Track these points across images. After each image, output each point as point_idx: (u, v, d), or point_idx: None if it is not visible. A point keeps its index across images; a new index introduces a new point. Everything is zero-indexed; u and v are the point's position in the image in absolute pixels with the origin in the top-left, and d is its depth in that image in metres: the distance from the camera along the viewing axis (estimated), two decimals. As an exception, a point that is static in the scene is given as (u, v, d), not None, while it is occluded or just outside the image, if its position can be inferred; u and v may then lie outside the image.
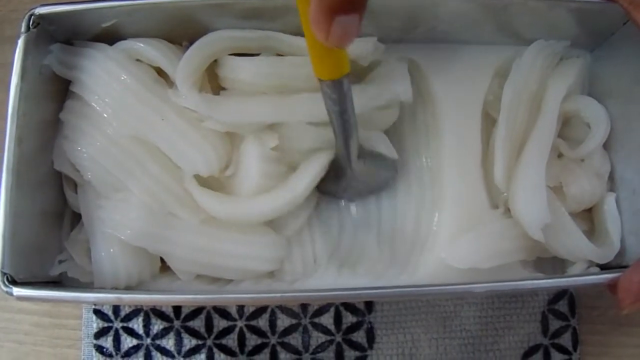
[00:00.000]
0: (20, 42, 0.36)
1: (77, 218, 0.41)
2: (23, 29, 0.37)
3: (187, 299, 0.36)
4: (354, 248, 0.42)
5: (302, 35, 0.31)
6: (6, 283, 0.35)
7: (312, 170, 0.40)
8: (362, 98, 0.39)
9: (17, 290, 0.35)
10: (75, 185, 0.41)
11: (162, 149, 0.39)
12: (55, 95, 0.40)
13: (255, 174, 0.39)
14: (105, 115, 0.39)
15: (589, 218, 0.42)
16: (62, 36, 0.39)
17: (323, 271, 0.41)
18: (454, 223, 0.40)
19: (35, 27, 0.37)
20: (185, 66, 0.38)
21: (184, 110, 0.39)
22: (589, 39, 0.42)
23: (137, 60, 0.40)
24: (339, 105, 0.34)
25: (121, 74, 0.38)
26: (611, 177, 0.42)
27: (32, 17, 0.37)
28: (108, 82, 0.38)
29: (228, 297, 0.37)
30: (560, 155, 0.42)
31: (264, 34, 0.39)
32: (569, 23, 0.40)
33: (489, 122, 0.42)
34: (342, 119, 0.35)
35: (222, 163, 0.40)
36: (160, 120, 0.38)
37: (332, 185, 0.42)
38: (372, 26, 0.40)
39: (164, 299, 0.37)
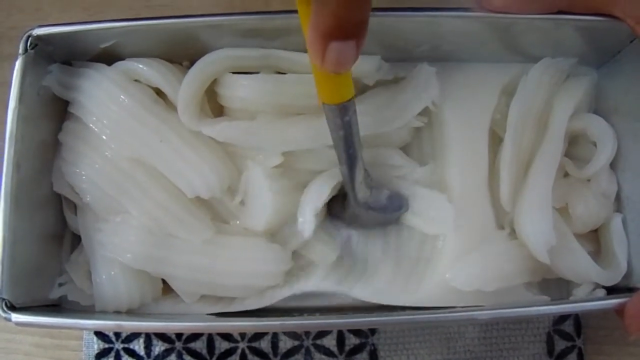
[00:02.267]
0: (18, 64, 0.36)
1: (77, 240, 0.41)
2: (21, 50, 0.36)
3: (187, 326, 0.36)
4: (358, 264, 0.42)
5: (303, 51, 0.31)
6: (5, 309, 0.35)
7: (317, 192, 0.39)
8: (394, 109, 0.39)
9: (16, 317, 0.35)
10: (75, 207, 0.40)
11: (162, 171, 0.38)
12: (54, 116, 0.39)
13: (267, 193, 0.39)
14: (104, 137, 0.38)
15: (595, 239, 0.41)
16: (60, 57, 0.39)
17: (324, 286, 0.40)
18: (459, 243, 0.40)
19: (33, 48, 0.36)
20: (187, 89, 0.38)
21: (183, 132, 0.38)
22: (595, 56, 0.41)
23: (136, 80, 0.39)
24: (342, 130, 0.34)
25: (119, 94, 0.38)
26: (618, 198, 0.41)
27: (30, 38, 0.36)
28: (106, 103, 0.38)
29: (227, 325, 0.37)
30: (566, 175, 0.42)
31: (264, 52, 0.39)
32: (576, 41, 0.39)
33: (495, 140, 0.42)
34: (346, 144, 0.35)
35: (224, 185, 0.39)
36: (159, 142, 0.38)
37: (339, 210, 0.41)
38: (377, 45, 0.39)
39: (164, 326, 0.37)
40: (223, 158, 0.40)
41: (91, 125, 0.39)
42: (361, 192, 0.38)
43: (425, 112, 0.41)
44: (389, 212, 0.41)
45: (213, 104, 0.41)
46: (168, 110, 0.39)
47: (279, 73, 0.40)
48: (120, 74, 0.39)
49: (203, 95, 0.40)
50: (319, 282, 0.40)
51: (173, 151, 0.38)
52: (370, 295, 0.39)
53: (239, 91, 0.39)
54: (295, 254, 0.41)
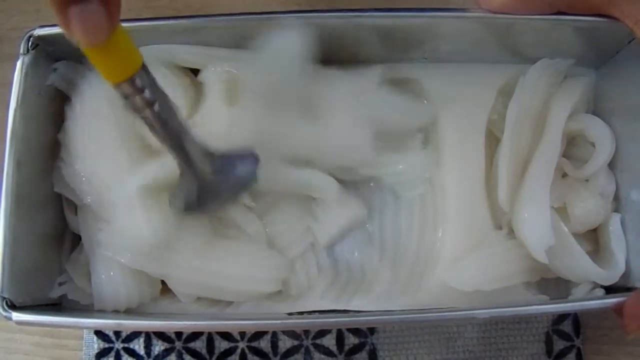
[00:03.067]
0: (19, 64, 0.36)
1: (77, 239, 0.41)
2: (22, 50, 0.37)
3: (187, 325, 0.36)
4: (355, 275, 0.42)
5: None
6: (5, 308, 0.35)
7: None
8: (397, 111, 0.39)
9: (17, 315, 0.35)
10: (75, 207, 0.40)
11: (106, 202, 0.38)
12: (54, 116, 0.40)
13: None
14: (72, 147, 0.38)
15: (593, 239, 0.41)
16: (60, 57, 0.39)
17: (323, 304, 0.40)
18: (457, 244, 0.40)
19: (34, 49, 0.37)
20: None
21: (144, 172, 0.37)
22: (593, 57, 0.41)
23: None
24: (147, 108, 0.28)
25: (104, 108, 0.38)
26: (616, 198, 0.41)
27: (31, 38, 0.37)
28: (91, 112, 0.38)
29: (228, 324, 0.37)
30: (564, 175, 0.42)
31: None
32: (574, 41, 0.39)
33: (492, 141, 0.42)
34: (160, 123, 0.29)
35: (158, 240, 0.37)
36: (116, 174, 0.37)
37: (189, 203, 0.36)
38: (375, 45, 0.39)
39: (164, 325, 0.37)
40: (171, 216, 0.37)
41: (69, 133, 0.39)
42: (207, 165, 0.33)
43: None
44: (243, 170, 0.36)
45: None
46: (143, 150, 0.39)
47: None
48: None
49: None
50: (317, 301, 0.40)
51: (123, 189, 0.37)
52: (370, 304, 0.39)
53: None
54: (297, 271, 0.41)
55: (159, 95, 0.29)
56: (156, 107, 0.29)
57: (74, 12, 0.22)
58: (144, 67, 0.27)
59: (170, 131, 0.30)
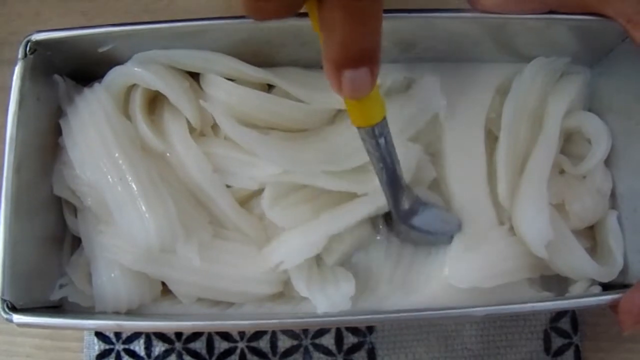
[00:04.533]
0: (18, 69, 0.36)
1: (77, 242, 0.41)
2: (20, 55, 0.37)
3: (186, 325, 0.36)
4: (359, 278, 0.41)
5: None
6: (6, 310, 0.35)
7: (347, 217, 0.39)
8: (400, 123, 0.39)
9: (18, 317, 0.35)
10: (75, 210, 0.41)
11: (110, 206, 0.38)
12: (53, 119, 0.40)
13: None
14: (71, 158, 0.39)
15: (591, 236, 0.42)
16: (59, 61, 0.39)
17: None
18: (461, 241, 0.40)
19: (32, 53, 0.37)
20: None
21: (145, 180, 0.37)
22: (588, 55, 0.41)
23: (134, 85, 0.40)
24: (378, 151, 0.34)
25: (102, 123, 0.38)
26: (613, 195, 0.41)
27: (30, 43, 0.37)
28: (87, 126, 0.38)
29: (227, 323, 0.37)
30: (562, 172, 0.42)
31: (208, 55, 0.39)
32: (568, 40, 0.39)
33: (491, 139, 0.42)
34: (383, 164, 0.35)
35: (165, 243, 0.37)
36: (118, 179, 0.37)
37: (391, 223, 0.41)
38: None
39: (164, 325, 0.37)
40: (173, 217, 0.37)
41: (66, 143, 0.39)
42: (404, 209, 0.38)
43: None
44: (438, 233, 0.40)
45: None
46: (141, 154, 0.39)
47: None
48: (111, 101, 0.39)
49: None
50: None
51: (127, 193, 0.37)
52: (373, 305, 0.39)
53: (220, 93, 0.39)
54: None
55: (388, 146, 0.34)
56: (381, 153, 0.34)
57: (348, 75, 0.27)
58: (384, 119, 0.32)
59: (387, 177, 0.36)
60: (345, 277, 0.39)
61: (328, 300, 0.38)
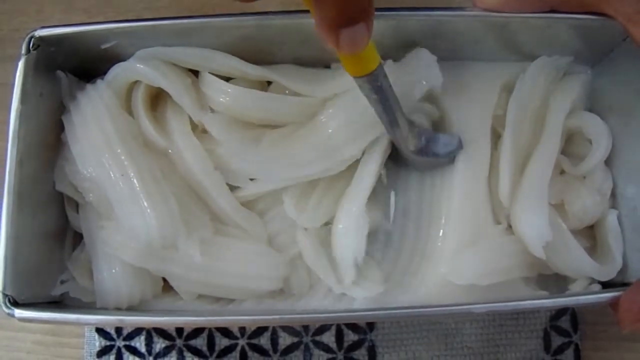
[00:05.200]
0: (21, 65, 0.37)
1: (79, 237, 0.41)
2: (23, 51, 0.37)
3: (187, 321, 0.36)
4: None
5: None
6: (8, 305, 0.35)
7: (372, 165, 0.40)
8: (398, 90, 0.38)
9: (19, 312, 0.35)
10: (77, 205, 0.41)
11: (112, 202, 0.38)
12: (56, 115, 0.40)
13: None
14: (73, 153, 0.39)
15: (590, 235, 0.42)
16: (62, 58, 0.39)
17: (326, 304, 0.40)
18: (458, 238, 0.40)
19: (35, 49, 0.37)
20: None
21: (147, 176, 0.38)
22: (589, 55, 0.41)
23: (137, 81, 0.40)
24: (376, 94, 0.35)
25: (105, 119, 0.38)
26: (613, 194, 0.41)
27: (32, 39, 0.37)
28: (90, 123, 0.38)
29: (228, 319, 0.37)
30: (562, 172, 0.42)
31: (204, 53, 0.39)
32: (569, 39, 0.40)
33: (494, 137, 0.42)
34: (383, 107, 0.36)
35: (166, 239, 0.37)
36: (120, 175, 0.37)
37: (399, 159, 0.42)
38: (375, 44, 0.39)
39: (165, 321, 0.37)
40: (174, 213, 0.38)
41: (68, 139, 0.39)
42: (411, 144, 0.40)
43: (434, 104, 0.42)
44: (444, 154, 0.41)
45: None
46: (143, 151, 0.39)
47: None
48: (114, 97, 0.39)
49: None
50: (319, 301, 0.40)
51: (129, 187, 0.37)
52: (371, 303, 0.39)
53: (218, 94, 0.40)
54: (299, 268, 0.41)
55: (385, 90, 0.35)
56: (381, 97, 0.35)
57: (345, 33, 0.27)
58: (378, 68, 0.33)
59: (387, 114, 0.37)
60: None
61: (363, 289, 0.39)
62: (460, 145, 0.41)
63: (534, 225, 0.38)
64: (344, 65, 0.33)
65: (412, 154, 0.40)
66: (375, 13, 0.36)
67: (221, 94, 0.39)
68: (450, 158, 0.41)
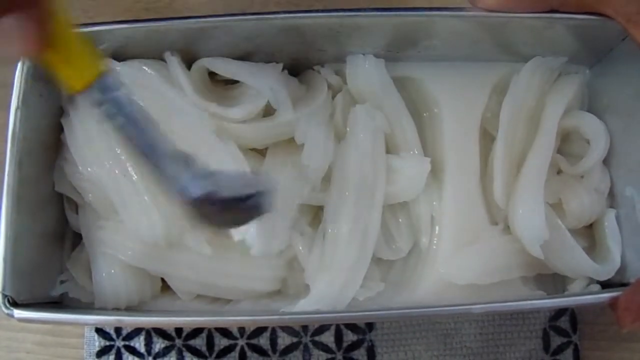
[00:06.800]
0: (20, 66, 0.37)
1: (78, 238, 0.41)
2: (23, 52, 0.37)
3: (186, 321, 0.36)
4: None
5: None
6: (7, 305, 0.35)
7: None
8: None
9: (19, 312, 0.35)
10: (76, 206, 0.41)
11: (113, 201, 0.38)
12: (55, 116, 0.40)
13: None
14: (72, 152, 0.39)
15: (589, 234, 0.42)
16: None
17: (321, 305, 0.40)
18: (453, 239, 0.40)
19: (34, 50, 0.37)
20: None
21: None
22: (588, 55, 0.42)
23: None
24: (116, 111, 0.27)
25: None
26: (611, 193, 0.41)
27: (32, 40, 0.37)
28: (88, 121, 0.38)
29: (228, 319, 0.37)
30: (559, 172, 0.42)
31: None
32: (568, 40, 0.40)
33: (487, 139, 0.42)
34: (135, 132, 0.27)
35: (170, 236, 0.38)
36: (122, 176, 0.37)
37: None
38: (370, 44, 0.40)
39: (164, 321, 0.37)
40: (177, 211, 0.33)
41: (68, 140, 0.39)
42: (191, 186, 0.29)
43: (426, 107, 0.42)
44: (242, 198, 0.30)
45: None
46: None
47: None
48: None
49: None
50: (315, 302, 0.39)
51: (131, 186, 0.37)
52: (368, 303, 0.39)
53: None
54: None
55: (125, 101, 0.27)
56: (119, 119, 0.27)
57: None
58: (102, 75, 0.26)
59: (142, 142, 0.28)
60: None
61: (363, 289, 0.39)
62: (270, 187, 0.31)
63: (531, 225, 0.39)
64: (64, 80, 0.26)
65: (189, 204, 0.30)
66: (372, 13, 0.36)
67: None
68: (255, 206, 0.31)
